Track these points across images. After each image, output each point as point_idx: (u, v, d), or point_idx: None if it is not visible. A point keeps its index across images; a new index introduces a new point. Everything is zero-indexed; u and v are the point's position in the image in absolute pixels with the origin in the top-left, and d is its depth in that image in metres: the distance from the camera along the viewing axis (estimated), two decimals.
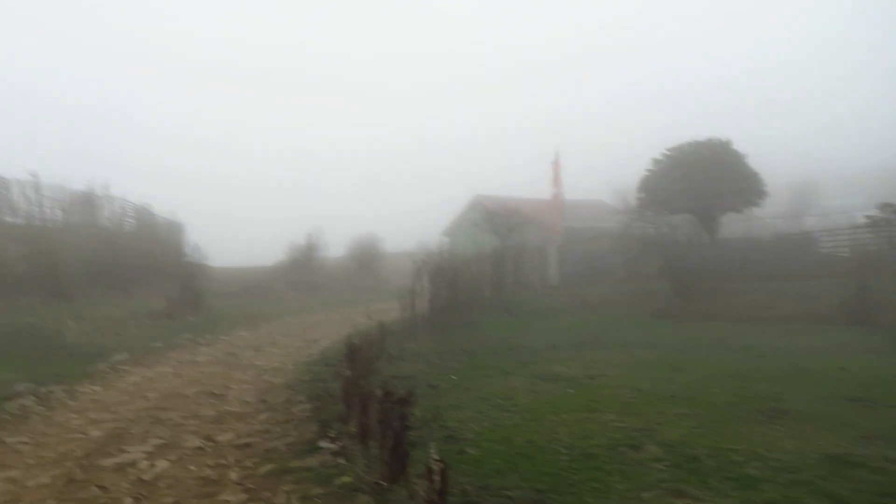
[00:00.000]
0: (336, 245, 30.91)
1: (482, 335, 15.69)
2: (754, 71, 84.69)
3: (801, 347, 13.52)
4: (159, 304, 17.19)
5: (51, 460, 6.32)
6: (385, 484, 5.18)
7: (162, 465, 6.06)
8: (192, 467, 6.03)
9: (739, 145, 19.49)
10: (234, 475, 5.81)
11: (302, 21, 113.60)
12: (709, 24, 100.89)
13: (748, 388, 10.05)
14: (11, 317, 13.68)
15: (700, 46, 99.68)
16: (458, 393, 9.96)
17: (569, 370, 11.74)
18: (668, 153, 20.47)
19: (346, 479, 5.33)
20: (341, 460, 5.84)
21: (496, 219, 23.05)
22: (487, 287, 18.99)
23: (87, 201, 22.31)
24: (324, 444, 6.38)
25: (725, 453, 6.98)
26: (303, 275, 26.64)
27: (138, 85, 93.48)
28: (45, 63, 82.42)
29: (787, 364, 11.86)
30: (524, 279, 22.57)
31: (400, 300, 15.17)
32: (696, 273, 18.24)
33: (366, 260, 29.85)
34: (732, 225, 22.35)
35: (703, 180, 18.81)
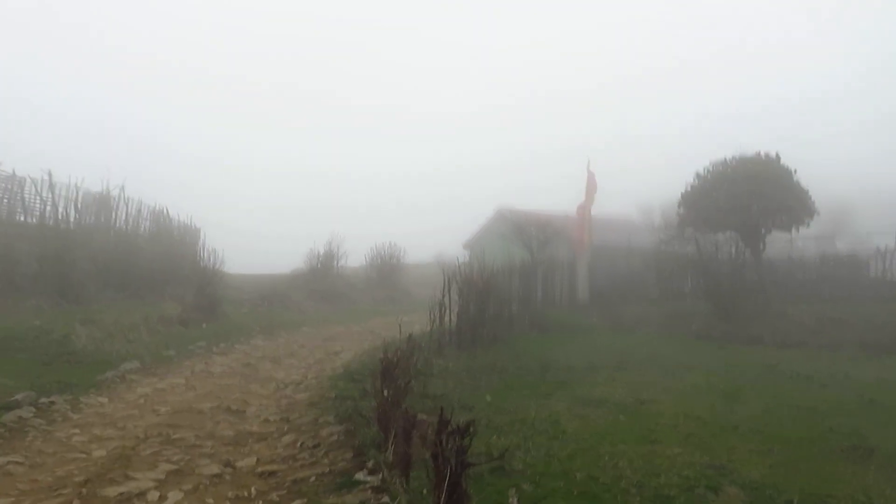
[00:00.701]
0: (356, 255, 30.15)
1: (512, 352, 14.74)
2: (785, 101, 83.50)
3: (863, 378, 12.45)
4: (173, 310, 16.39)
5: (46, 486, 5.46)
6: None
7: (174, 496, 5.18)
8: (210, 500, 5.15)
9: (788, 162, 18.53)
10: None
11: (330, 42, 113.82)
12: (740, 53, 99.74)
13: (820, 422, 9.05)
14: (17, 318, 12.93)
15: (736, 73, 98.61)
16: (496, 416, 9.04)
17: (614, 394, 10.78)
18: (712, 167, 19.48)
19: None
20: (385, 499, 4.93)
21: (527, 231, 22.12)
22: (515, 302, 18.02)
23: (103, 202, 21.61)
24: (361, 476, 5.48)
25: (823, 500, 6.03)
26: (322, 284, 25.76)
27: (165, 104, 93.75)
28: (73, 82, 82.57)
29: (855, 396, 10.83)
30: (552, 295, 21.61)
31: (424, 312, 14.32)
32: (739, 294, 17.18)
33: (386, 271, 28.92)
34: (769, 246, 21.26)
35: (751, 196, 17.76)
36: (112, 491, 5.23)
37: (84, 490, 5.26)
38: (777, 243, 22.03)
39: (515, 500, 3.63)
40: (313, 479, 5.55)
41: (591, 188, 24.14)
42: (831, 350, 15.20)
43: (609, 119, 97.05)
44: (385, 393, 6.82)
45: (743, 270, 18.19)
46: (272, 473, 5.81)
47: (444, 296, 14.06)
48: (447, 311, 14.11)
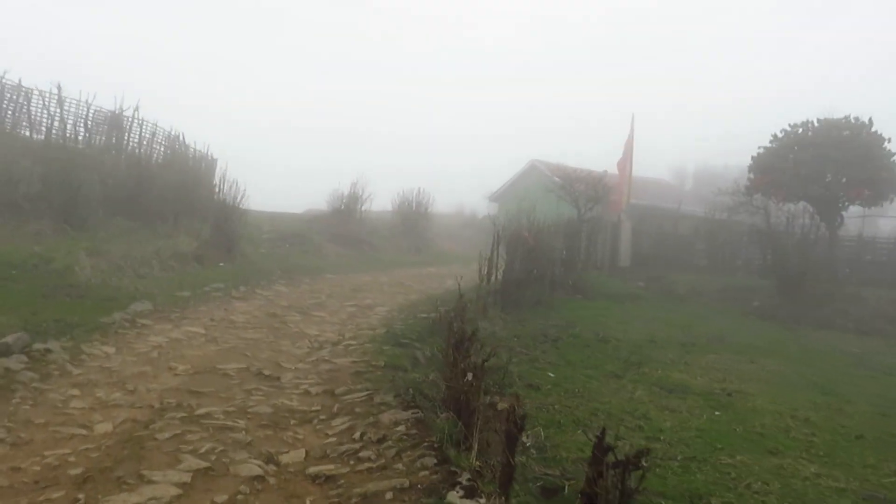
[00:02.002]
0: (379, 199, 28.52)
1: (560, 319, 13.29)
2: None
3: None
4: (188, 246, 14.91)
5: (30, 481, 4.02)
6: None
7: None
8: None
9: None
10: None
11: None
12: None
13: None
14: (15, 244, 11.50)
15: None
16: (568, 400, 7.62)
17: (693, 379, 9.33)
18: (791, 129, 17.58)
19: None
20: None
21: (575, 187, 20.42)
22: (558, 263, 16.49)
23: (115, 122, 19.99)
24: (455, 499, 4.02)
25: None
26: (344, 228, 24.18)
27: (186, 26, 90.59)
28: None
29: None
30: (594, 258, 20.05)
31: (452, 265, 12.90)
32: (810, 271, 15.57)
33: (413, 219, 27.29)
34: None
35: (834, 164, 16.01)
36: (120, 500, 3.78)
37: (82, 495, 3.82)
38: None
39: None
40: (389, 496, 4.09)
41: (630, 143, 22.30)
42: None
43: (645, 71, 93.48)
44: (468, 377, 5.38)
45: (813, 246, 16.55)
46: (330, 479, 4.37)
47: (492, 252, 12.57)
48: (495, 269, 12.63)
